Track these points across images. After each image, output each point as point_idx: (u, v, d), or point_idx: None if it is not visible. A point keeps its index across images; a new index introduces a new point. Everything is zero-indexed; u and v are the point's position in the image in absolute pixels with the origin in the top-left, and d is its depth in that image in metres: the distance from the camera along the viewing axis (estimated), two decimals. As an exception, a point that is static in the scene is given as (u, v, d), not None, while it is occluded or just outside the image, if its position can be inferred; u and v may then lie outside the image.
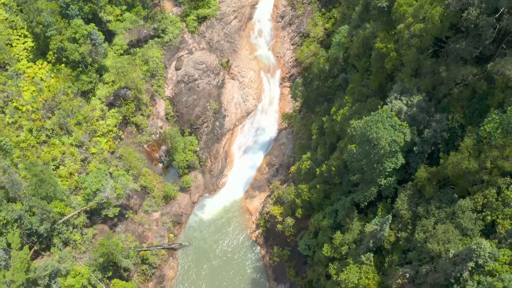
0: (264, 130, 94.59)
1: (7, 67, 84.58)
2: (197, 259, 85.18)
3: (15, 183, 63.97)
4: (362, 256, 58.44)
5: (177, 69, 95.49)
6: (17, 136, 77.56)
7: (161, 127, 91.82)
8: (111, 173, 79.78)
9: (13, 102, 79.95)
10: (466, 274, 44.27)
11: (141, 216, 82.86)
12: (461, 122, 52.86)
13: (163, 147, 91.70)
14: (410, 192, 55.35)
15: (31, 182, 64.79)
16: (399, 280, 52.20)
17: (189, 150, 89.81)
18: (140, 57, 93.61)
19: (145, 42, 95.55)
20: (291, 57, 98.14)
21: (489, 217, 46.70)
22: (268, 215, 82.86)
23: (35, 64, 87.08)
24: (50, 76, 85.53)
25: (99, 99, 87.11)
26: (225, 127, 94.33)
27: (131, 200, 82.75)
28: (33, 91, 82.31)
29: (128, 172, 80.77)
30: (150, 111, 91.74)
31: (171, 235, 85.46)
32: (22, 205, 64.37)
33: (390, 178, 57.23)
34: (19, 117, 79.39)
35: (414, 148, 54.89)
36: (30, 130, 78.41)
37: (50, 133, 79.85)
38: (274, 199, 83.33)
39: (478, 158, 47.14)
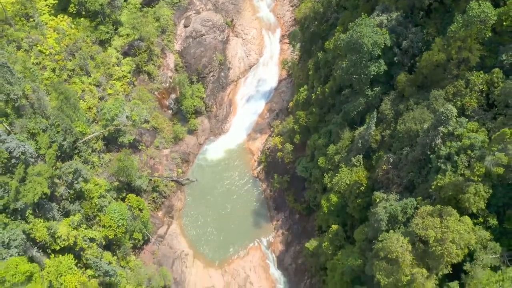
0: (266, 81, 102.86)
1: (31, 20, 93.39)
2: (203, 194, 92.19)
3: (42, 102, 71.69)
4: (353, 158, 65.73)
5: (185, 26, 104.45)
6: (41, 75, 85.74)
7: (170, 77, 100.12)
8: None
9: (38, 46, 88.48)
10: (439, 142, 51.58)
11: (152, 151, 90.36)
12: (435, 35, 61.33)
13: (173, 95, 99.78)
14: (392, 97, 63.23)
15: (57, 101, 72.54)
16: (384, 166, 59.38)
17: (196, 97, 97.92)
18: (152, 15, 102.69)
19: (156, 2, 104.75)
20: (290, 17, 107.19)
21: (459, 102, 54.35)
22: (269, 150, 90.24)
23: (56, 17, 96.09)
24: (71, 27, 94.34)
25: (115, 48, 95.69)
26: (230, 78, 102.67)
27: (143, 137, 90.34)
28: (56, 38, 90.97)
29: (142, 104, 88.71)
30: (160, 62, 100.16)
31: (180, 170, 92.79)
32: (48, 121, 71.93)
33: (376, 88, 65.10)
34: (43, 59, 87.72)
35: (395, 59, 63.01)
36: (53, 70, 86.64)
37: (71, 73, 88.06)
38: (274, 136, 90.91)
39: (446, 51, 55.19)
